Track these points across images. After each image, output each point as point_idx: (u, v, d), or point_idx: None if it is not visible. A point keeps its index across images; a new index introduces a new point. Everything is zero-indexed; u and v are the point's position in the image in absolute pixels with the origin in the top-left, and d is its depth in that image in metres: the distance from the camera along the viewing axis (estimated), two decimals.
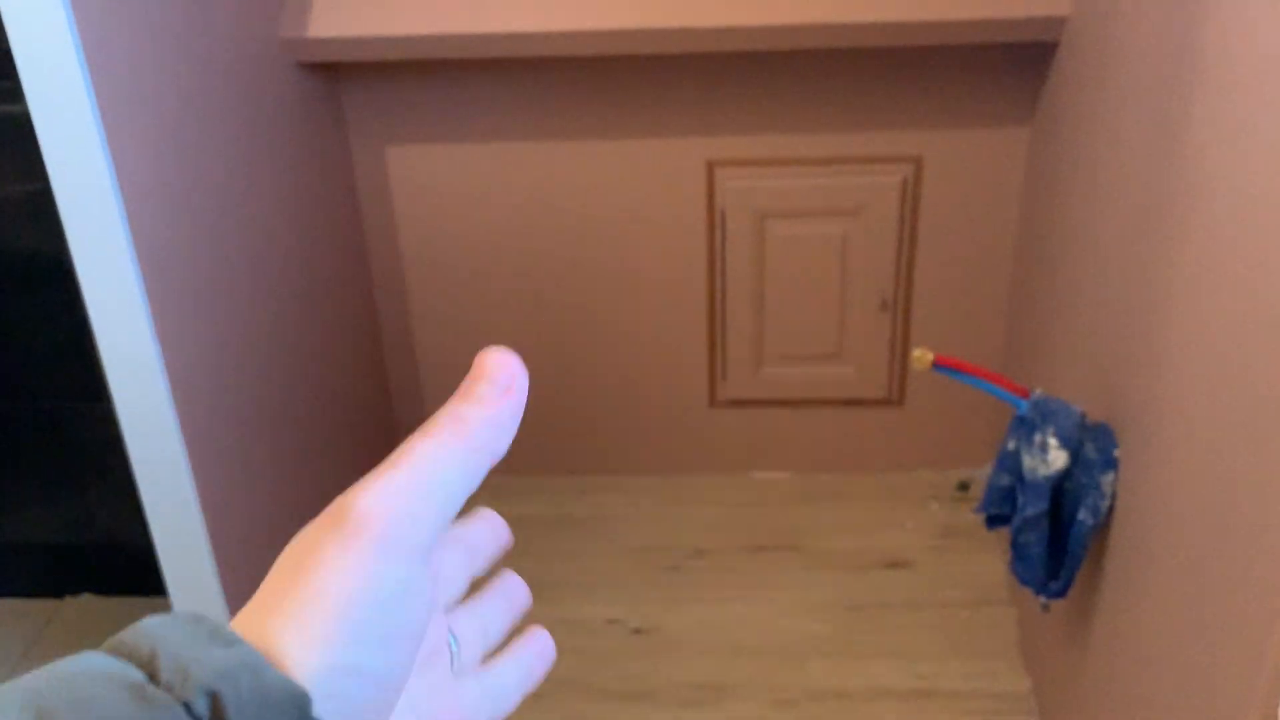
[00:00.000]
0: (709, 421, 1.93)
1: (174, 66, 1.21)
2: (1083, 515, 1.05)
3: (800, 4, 1.47)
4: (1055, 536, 1.08)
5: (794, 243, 1.75)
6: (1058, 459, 1.04)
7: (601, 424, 1.94)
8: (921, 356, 1.04)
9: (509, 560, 0.46)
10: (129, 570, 1.73)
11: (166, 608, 1.30)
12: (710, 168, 1.71)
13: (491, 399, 0.40)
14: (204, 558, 1.27)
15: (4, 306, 1.56)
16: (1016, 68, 1.61)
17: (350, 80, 1.69)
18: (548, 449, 1.96)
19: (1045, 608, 1.16)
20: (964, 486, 1.85)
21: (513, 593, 0.46)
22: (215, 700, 0.30)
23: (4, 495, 1.71)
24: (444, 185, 1.77)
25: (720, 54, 1.60)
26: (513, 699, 0.44)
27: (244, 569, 1.35)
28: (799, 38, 1.48)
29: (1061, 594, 1.11)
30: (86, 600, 1.78)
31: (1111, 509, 1.07)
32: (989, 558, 1.74)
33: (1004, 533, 1.17)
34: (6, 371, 1.61)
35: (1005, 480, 1.10)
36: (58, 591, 1.78)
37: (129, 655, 0.31)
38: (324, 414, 1.63)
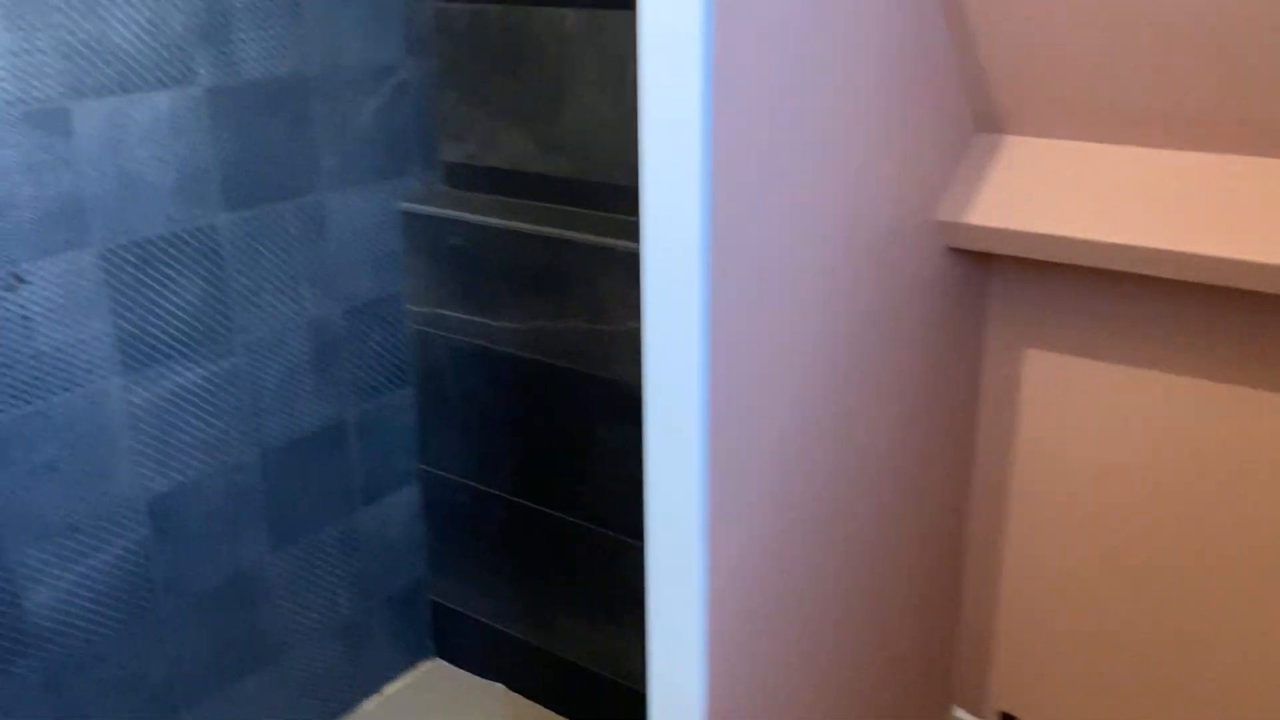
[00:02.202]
0: None
1: (811, 227, 1.09)
2: None
3: None
4: None
5: None
6: None
7: None
8: None
9: None
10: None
11: None
12: None
13: None
14: None
15: (604, 435, 1.57)
16: None
17: (1000, 273, 1.48)
18: None
19: None
20: None
21: None
22: None
23: (550, 606, 1.73)
24: (1081, 405, 1.47)
25: None
26: None
27: None
28: None
29: None
30: None
31: None
32: None
33: None
34: (590, 495, 1.62)
35: None
36: (574, 712, 1.77)
37: None
38: (870, 636, 1.41)
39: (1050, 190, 1.31)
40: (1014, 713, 1.65)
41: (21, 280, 1.27)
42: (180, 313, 1.44)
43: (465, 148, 1.68)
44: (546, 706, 1.79)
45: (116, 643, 1.44)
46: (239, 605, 1.60)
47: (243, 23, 1.43)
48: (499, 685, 1.85)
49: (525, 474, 1.69)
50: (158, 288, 1.40)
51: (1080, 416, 1.48)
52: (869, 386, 1.26)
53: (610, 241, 1.47)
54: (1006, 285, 1.48)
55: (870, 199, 1.19)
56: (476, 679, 1.87)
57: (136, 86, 1.33)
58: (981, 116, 1.35)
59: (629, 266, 1.46)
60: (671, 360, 1.01)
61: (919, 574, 1.51)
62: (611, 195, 1.52)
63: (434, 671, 1.90)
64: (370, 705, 1.82)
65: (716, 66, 0.90)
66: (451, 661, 1.91)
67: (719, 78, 0.90)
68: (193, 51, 1.38)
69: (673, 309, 1.00)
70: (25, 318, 1.28)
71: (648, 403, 1.05)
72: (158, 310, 1.41)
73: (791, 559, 1.19)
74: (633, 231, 1.46)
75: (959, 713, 1.70)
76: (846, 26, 1.07)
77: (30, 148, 1.25)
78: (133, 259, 1.37)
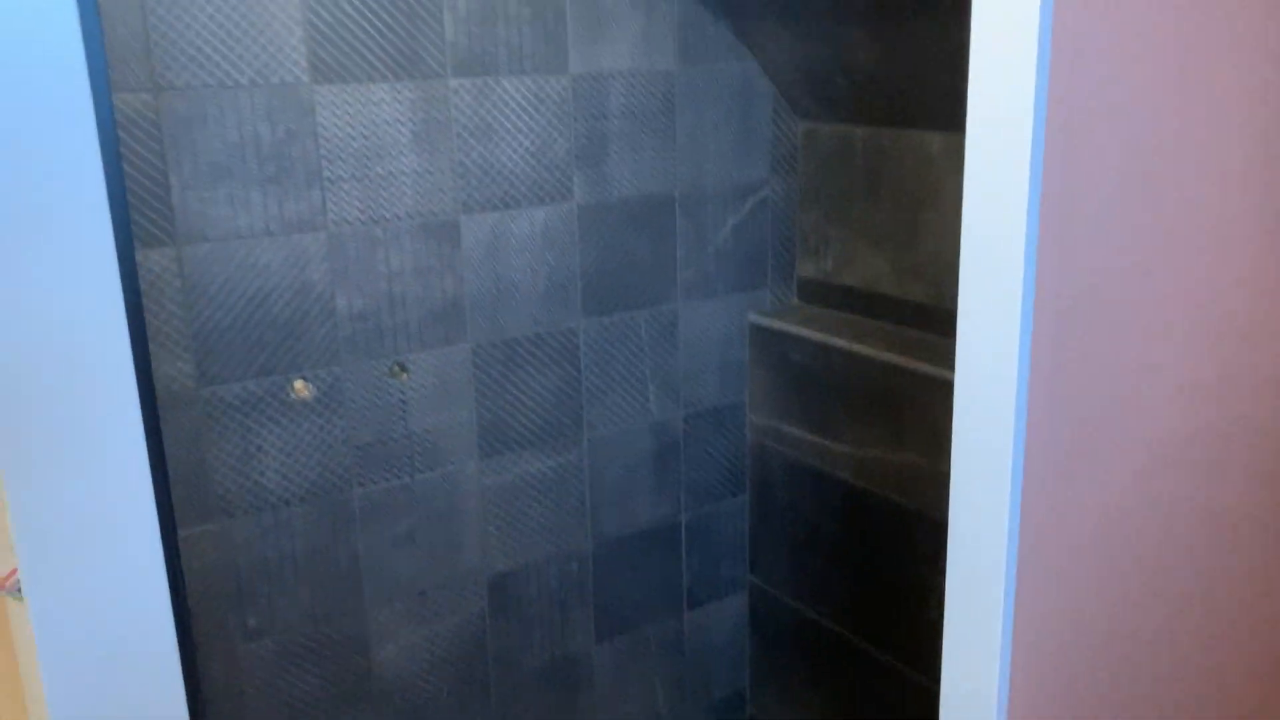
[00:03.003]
0: None
1: (1159, 383, 0.97)
2: None
3: None
4: None
5: None
6: None
7: None
8: None
9: None
10: None
11: None
12: None
13: None
14: None
15: (932, 577, 1.48)
16: None
17: None
18: None
19: None
20: None
21: None
22: None
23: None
24: None
25: None
26: None
27: None
28: None
29: None
30: None
31: None
32: None
33: None
34: (915, 640, 1.53)
35: None
36: None
37: None
38: None
39: None
40: None
41: (404, 369, 1.43)
42: (536, 407, 1.55)
43: (821, 265, 1.68)
44: None
45: (448, 703, 1.56)
46: (561, 688, 1.67)
47: (620, 146, 1.54)
48: None
49: (850, 604, 1.63)
50: (518, 383, 1.53)
51: None
52: (1233, 577, 1.09)
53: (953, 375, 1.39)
54: None
55: (1244, 349, 1.04)
56: None
57: (518, 203, 1.47)
58: None
59: None
60: (977, 517, 0.94)
61: None
62: None
63: None
64: None
65: (1046, 165, 0.83)
66: None
67: (1046, 187, 0.84)
68: (571, 172, 1.51)
69: (982, 453, 0.93)
70: (403, 402, 1.44)
71: (950, 560, 0.98)
72: (516, 403, 1.53)
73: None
74: None
75: None
76: (1224, 148, 0.95)
77: (423, 254, 1.41)
78: (499, 356, 1.50)
